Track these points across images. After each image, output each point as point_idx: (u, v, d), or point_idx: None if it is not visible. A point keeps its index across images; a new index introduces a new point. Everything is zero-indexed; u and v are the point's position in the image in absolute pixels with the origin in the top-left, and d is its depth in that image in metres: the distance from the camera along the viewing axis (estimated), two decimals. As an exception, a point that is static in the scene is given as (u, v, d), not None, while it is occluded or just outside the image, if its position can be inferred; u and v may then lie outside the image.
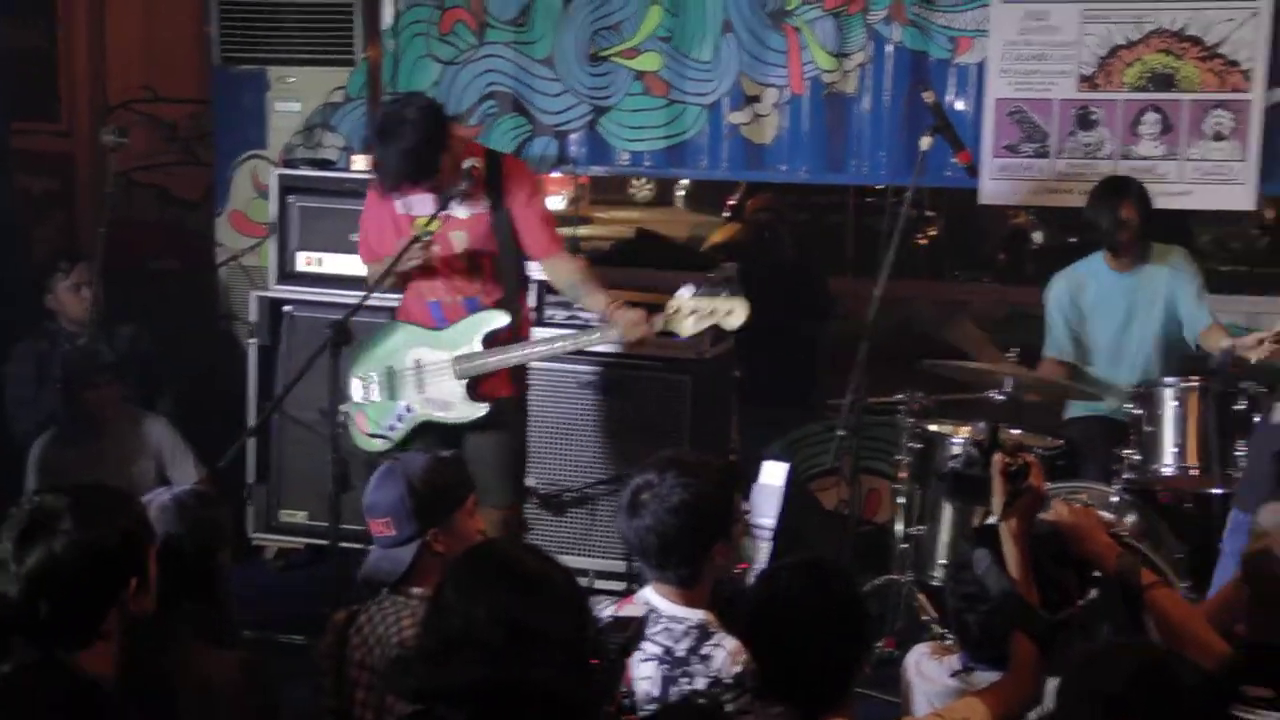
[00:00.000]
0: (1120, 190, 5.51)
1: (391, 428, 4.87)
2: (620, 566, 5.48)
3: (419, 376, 4.84)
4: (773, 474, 5.29)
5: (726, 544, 3.16)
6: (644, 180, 14.68)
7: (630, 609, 3.16)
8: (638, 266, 6.02)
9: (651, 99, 6.44)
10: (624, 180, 13.80)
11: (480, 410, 4.77)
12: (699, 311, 4.51)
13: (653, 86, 6.43)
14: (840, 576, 3.11)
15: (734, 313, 4.50)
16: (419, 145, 4.60)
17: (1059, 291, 5.68)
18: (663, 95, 6.42)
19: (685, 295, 4.53)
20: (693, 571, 3.13)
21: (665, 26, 6.37)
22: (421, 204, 4.78)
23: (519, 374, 4.98)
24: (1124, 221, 5.46)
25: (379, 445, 4.85)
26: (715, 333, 4.79)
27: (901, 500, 5.40)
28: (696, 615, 3.11)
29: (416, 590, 3.29)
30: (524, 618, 2.40)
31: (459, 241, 4.84)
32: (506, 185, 4.83)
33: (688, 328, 4.54)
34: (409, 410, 4.86)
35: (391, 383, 4.88)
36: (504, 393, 4.88)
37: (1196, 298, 5.49)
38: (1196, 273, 5.58)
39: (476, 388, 4.79)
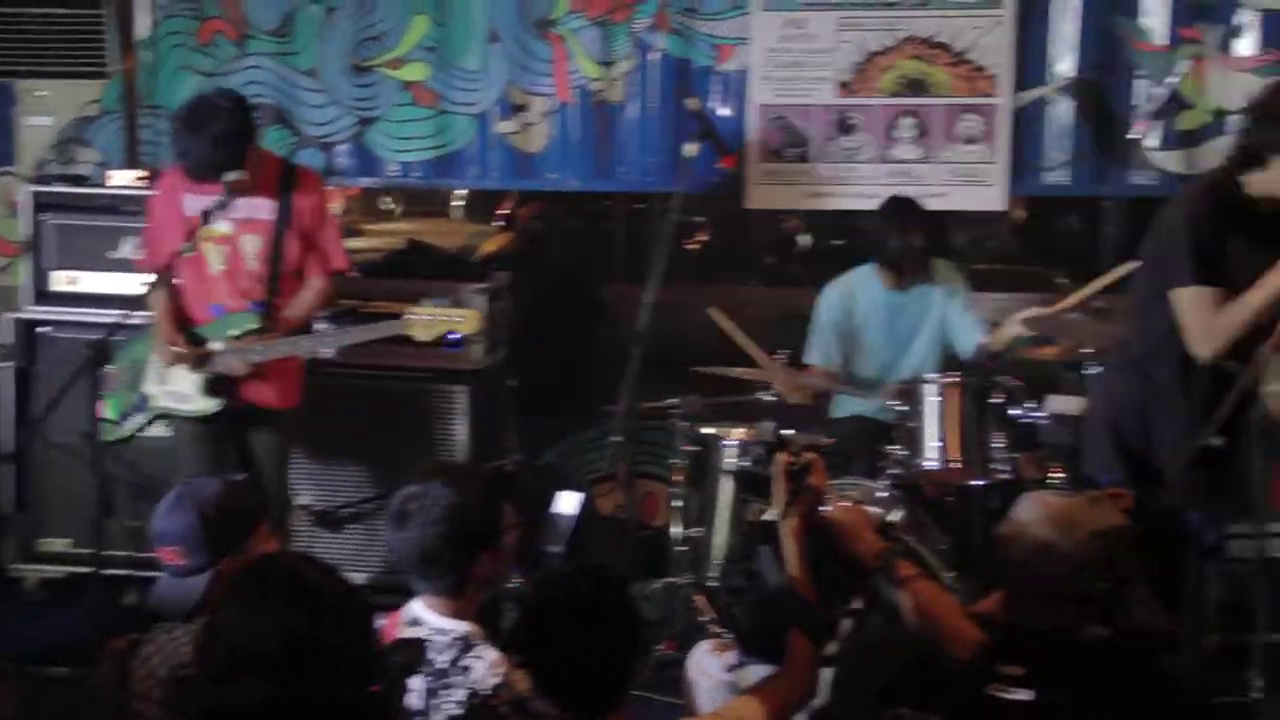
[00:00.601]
0: (909, 216, 5.53)
1: (127, 416, 5.14)
2: (398, 581, 5.42)
3: (163, 370, 4.98)
4: (566, 503, 5.33)
5: (493, 553, 3.16)
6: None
7: (402, 627, 3.14)
8: (409, 278, 5.97)
9: (419, 109, 6.39)
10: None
11: (214, 405, 4.94)
12: (435, 318, 4.82)
13: (420, 97, 6.38)
14: (613, 581, 3.14)
15: (467, 320, 4.85)
16: (232, 131, 4.72)
17: (831, 301, 5.73)
18: (430, 105, 6.38)
19: (421, 304, 4.89)
20: (457, 581, 3.13)
21: (431, 36, 6.33)
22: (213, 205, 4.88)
23: (292, 387, 5.09)
24: (912, 248, 5.49)
25: (114, 432, 5.08)
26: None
27: (678, 503, 5.45)
28: (461, 627, 3.11)
29: (210, 620, 3.20)
30: (309, 632, 2.36)
31: (250, 246, 4.95)
32: (297, 197, 4.97)
33: (424, 334, 4.84)
34: (147, 400, 5.05)
35: (135, 374, 5.06)
36: (289, 403, 5.08)
37: (963, 314, 5.62)
38: (963, 287, 5.73)
39: (218, 385, 4.94)
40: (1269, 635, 4.45)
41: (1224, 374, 3.98)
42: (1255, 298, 3.88)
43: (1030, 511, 3.17)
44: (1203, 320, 3.93)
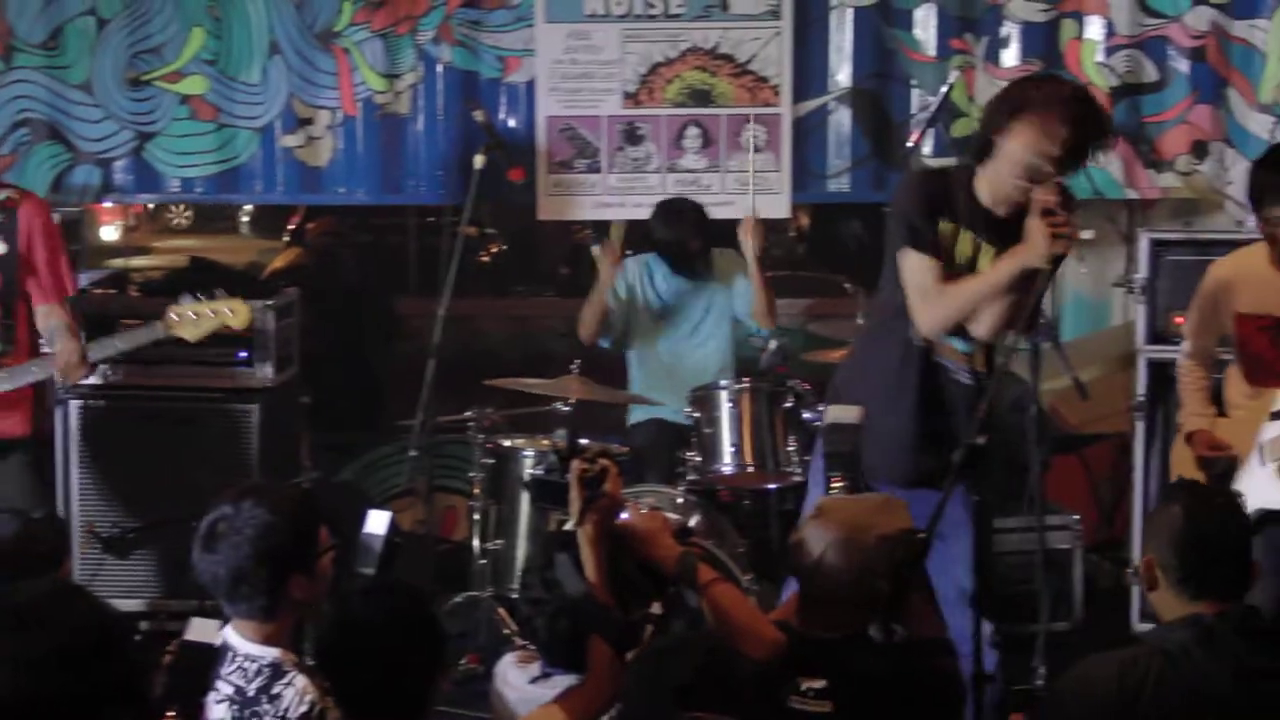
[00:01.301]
0: (682, 213, 5.77)
1: None
2: (193, 606, 5.31)
3: None
4: (376, 523, 5.27)
5: (305, 576, 3.08)
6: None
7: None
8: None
9: (199, 123, 6.23)
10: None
11: None
12: (201, 315, 4.64)
13: (200, 110, 6.23)
14: (410, 595, 3.12)
15: (237, 312, 4.67)
16: None
17: (616, 285, 5.85)
18: (211, 119, 6.23)
19: (184, 302, 4.67)
20: (267, 604, 3.03)
21: (209, 49, 6.19)
22: None
23: (37, 412, 4.89)
24: (688, 241, 5.72)
25: None
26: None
27: (477, 517, 5.45)
28: (271, 653, 3.02)
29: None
30: (39, 676, 2.20)
31: None
32: (22, 222, 4.76)
33: (193, 332, 4.67)
34: None
35: None
36: (18, 431, 4.79)
37: (745, 282, 5.80)
38: (744, 274, 5.89)
39: None
40: (1050, 624, 4.65)
41: (935, 366, 4.00)
42: (979, 283, 3.85)
43: (820, 516, 3.25)
44: (925, 286, 3.87)
